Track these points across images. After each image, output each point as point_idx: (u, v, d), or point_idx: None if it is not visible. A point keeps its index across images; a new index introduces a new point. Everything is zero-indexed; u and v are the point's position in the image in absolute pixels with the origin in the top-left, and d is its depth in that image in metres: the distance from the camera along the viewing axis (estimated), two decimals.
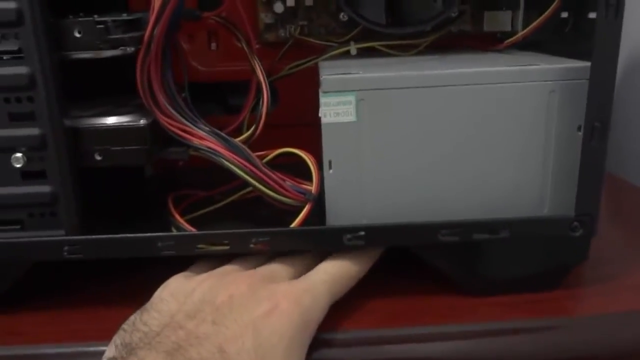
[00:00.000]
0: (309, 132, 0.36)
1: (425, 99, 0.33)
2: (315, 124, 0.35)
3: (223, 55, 0.49)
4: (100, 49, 0.32)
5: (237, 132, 0.39)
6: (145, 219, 0.38)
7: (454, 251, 0.35)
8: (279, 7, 0.45)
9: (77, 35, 0.32)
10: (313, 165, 0.36)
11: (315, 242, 0.35)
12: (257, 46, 0.39)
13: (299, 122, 0.42)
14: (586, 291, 0.37)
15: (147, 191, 0.47)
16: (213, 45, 0.49)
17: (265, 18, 0.46)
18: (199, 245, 0.34)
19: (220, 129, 0.37)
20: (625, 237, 0.46)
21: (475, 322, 0.35)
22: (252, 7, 0.46)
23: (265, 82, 0.38)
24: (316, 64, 0.41)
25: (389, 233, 0.34)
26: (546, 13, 0.37)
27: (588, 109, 0.32)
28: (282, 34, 0.47)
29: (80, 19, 0.32)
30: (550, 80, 0.33)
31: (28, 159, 0.33)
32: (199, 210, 0.39)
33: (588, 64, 0.32)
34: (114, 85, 0.38)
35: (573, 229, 0.34)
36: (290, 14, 0.46)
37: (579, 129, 0.33)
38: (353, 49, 0.42)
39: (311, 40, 0.45)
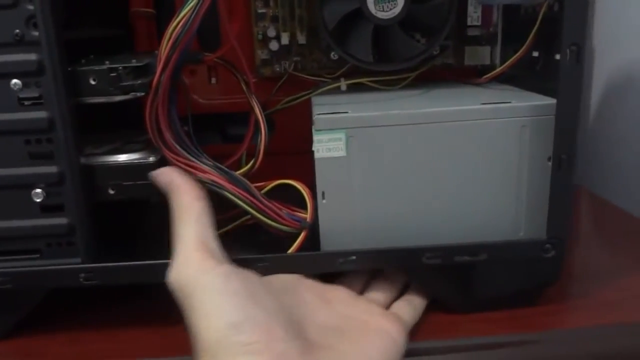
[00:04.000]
0: (302, 159, 0.39)
1: (409, 135, 0.36)
2: (307, 151, 0.38)
3: (222, 88, 0.52)
4: (113, 94, 0.35)
5: (237, 163, 0.42)
6: (154, 245, 0.41)
7: (439, 272, 0.38)
8: (274, 45, 0.49)
9: (92, 82, 0.35)
10: (308, 195, 0.39)
11: (312, 266, 0.38)
12: (253, 80, 0.42)
13: (292, 151, 0.45)
14: (562, 307, 0.40)
15: (154, 219, 0.49)
16: (213, 80, 0.52)
17: (262, 54, 0.50)
18: None
19: (220, 157, 0.39)
20: (602, 255, 0.49)
21: (460, 337, 0.37)
22: (249, 44, 0.49)
23: (263, 120, 0.40)
24: (309, 98, 0.44)
25: (378, 257, 0.37)
26: (519, 52, 0.40)
27: (555, 142, 0.35)
28: (277, 69, 0.50)
29: (95, 67, 0.35)
30: (522, 117, 0.36)
31: (47, 194, 0.36)
32: None
33: (555, 101, 0.35)
34: (119, 119, 0.42)
35: (545, 251, 0.37)
36: (285, 50, 0.49)
37: (549, 159, 0.36)
38: (343, 85, 0.45)
39: (304, 76, 0.48)
